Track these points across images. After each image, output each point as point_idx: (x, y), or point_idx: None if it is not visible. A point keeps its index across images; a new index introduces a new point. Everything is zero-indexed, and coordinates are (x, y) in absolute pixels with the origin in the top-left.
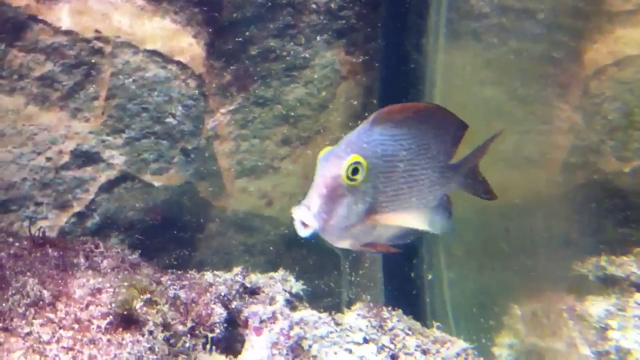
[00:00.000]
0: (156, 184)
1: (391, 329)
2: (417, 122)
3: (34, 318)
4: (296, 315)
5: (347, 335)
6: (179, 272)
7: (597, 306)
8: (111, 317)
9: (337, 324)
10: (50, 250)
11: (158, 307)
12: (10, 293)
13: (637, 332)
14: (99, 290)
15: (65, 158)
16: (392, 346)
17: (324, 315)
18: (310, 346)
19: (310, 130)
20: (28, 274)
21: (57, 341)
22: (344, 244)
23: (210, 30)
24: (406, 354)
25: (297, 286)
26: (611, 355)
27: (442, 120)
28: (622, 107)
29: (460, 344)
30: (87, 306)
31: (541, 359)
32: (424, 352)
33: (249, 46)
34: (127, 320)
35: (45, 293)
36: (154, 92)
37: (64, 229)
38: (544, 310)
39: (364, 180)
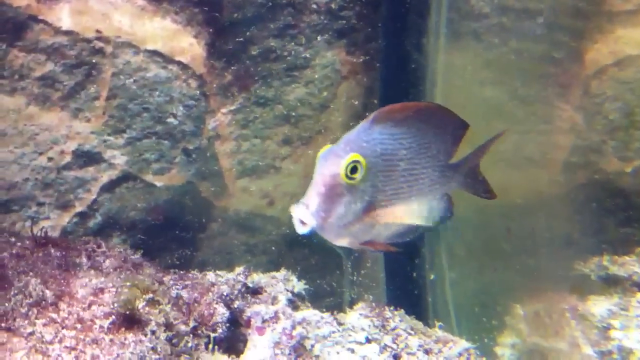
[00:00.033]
0: (158, 184)
1: (393, 329)
2: (417, 121)
3: (36, 318)
4: (298, 315)
5: (350, 335)
6: (181, 272)
7: (599, 306)
8: (114, 316)
9: (340, 324)
10: (52, 250)
11: (160, 307)
12: (12, 293)
13: None
14: (102, 290)
15: (67, 158)
16: (394, 346)
17: (326, 315)
18: (312, 346)
19: (311, 130)
20: (30, 273)
21: (60, 341)
22: (343, 242)
23: (211, 30)
24: (408, 353)
25: (299, 286)
26: (614, 354)
27: (443, 120)
28: (623, 107)
29: (463, 343)
30: (90, 306)
31: (544, 358)
32: (427, 351)
33: (249, 46)
34: (129, 320)
35: (48, 293)
36: (155, 92)
37: (66, 228)
38: (547, 310)
39: (362, 179)
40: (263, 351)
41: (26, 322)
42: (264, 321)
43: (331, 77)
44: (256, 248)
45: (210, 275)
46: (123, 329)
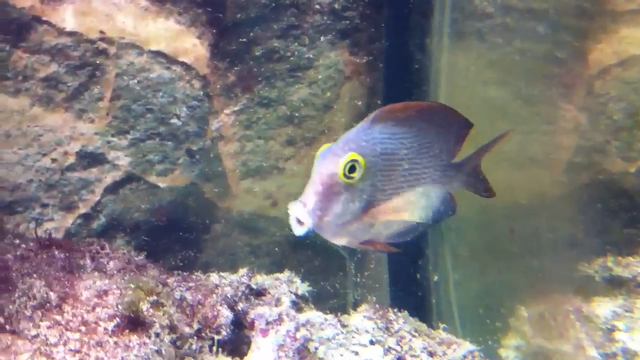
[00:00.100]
0: (161, 185)
1: (397, 331)
2: (419, 120)
3: (40, 320)
4: (302, 317)
5: (353, 337)
6: (184, 273)
7: (603, 307)
8: (118, 319)
9: (343, 326)
10: (56, 252)
11: (164, 308)
12: (17, 295)
13: None
14: (106, 292)
15: (71, 159)
16: (398, 348)
17: (330, 316)
18: (316, 348)
19: (315, 130)
20: (34, 275)
21: (64, 343)
22: (341, 241)
23: (214, 31)
24: (412, 356)
25: (302, 287)
26: (618, 357)
27: (446, 119)
28: (627, 107)
29: (467, 345)
30: (94, 308)
31: None
32: (431, 354)
33: (253, 47)
34: (133, 322)
35: (52, 295)
36: (159, 93)
37: (69, 230)
38: (551, 312)
39: (361, 178)
40: (267, 353)
41: (30, 324)
42: (267, 323)
43: (334, 78)
44: (260, 249)
45: (214, 277)
46: (127, 331)
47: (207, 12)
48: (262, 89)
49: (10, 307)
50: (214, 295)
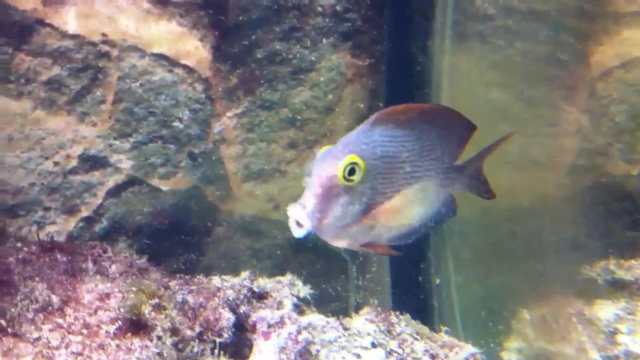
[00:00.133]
0: (164, 188)
1: (399, 334)
2: (421, 123)
3: (42, 323)
4: (304, 320)
5: (355, 340)
6: (186, 276)
7: (606, 310)
8: (120, 322)
9: (345, 329)
10: (58, 255)
11: (166, 311)
12: (19, 298)
13: None
14: (108, 295)
15: (73, 162)
16: (400, 351)
17: (332, 319)
18: (318, 351)
19: (317, 133)
20: (37, 279)
21: (66, 346)
22: (341, 243)
23: (217, 33)
24: (414, 358)
25: (304, 290)
26: (620, 359)
27: (448, 122)
28: (630, 109)
29: (469, 348)
30: (96, 311)
31: None
32: (433, 356)
33: (255, 49)
34: (135, 325)
35: (54, 298)
36: (161, 96)
37: (72, 233)
38: (553, 315)
39: (361, 181)
40: (269, 356)
41: (32, 327)
42: (269, 326)
43: (336, 80)
44: (262, 252)
45: (216, 280)
46: (129, 334)
47: (209, 15)
48: (264, 92)
49: (13, 310)
50: (216, 298)
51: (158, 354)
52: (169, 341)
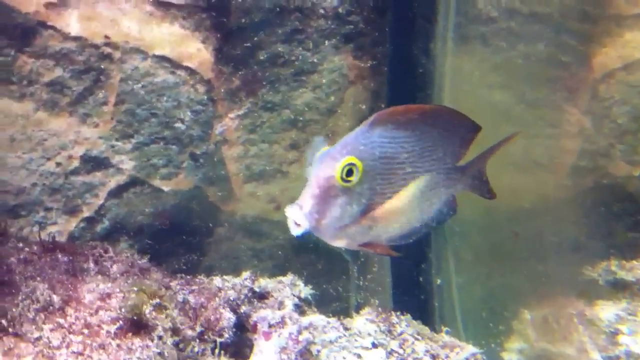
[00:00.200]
0: (165, 188)
1: (400, 334)
2: (421, 124)
3: (43, 323)
4: (305, 320)
5: (356, 340)
6: (188, 276)
7: (607, 311)
8: (121, 322)
9: (346, 329)
10: (59, 255)
11: (167, 311)
12: (20, 298)
13: None
14: (109, 295)
15: (75, 163)
16: (400, 351)
17: (333, 319)
18: (319, 351)
19: (319, 134)
20: (38, 279)
21: (67, 346)
22: (340, 243)
23: (219, 35)
24: (415, 359)
25: (305, 291)
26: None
27: (451, 122)
28: (632, 111)
29: (470, 349)
30: (97, 311)
31: None
32: (433, 357)
33: (257, 51)
34: (136, 325)
35: (55, 298)
36: (163, 98)
37: (73, 234)
38: (554, 315)
39: (359, 182)
40: (269, 356)
41: (33, 327)
42: (270, 326)
43: (338, 82)
44: (263, 253)
45: (217, 280)
46: (130, 334)
47: (211, 17)
48: (266, 93)
49: (14, 309)
50: (217, 299)
51: (159, 353)
52: (169, 341)
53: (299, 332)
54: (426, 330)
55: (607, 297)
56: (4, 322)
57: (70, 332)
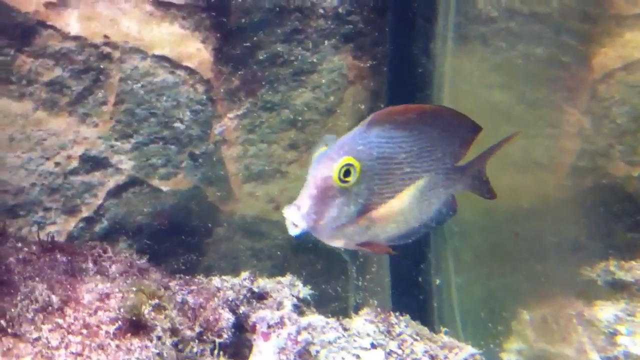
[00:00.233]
0: (164, 188)
1: (399, 335)
2: (420, 124)
3: (42, 323)
4: (304, 321)
5: (355, 341)
6: (186, 277)
7: (606, 311)
8: (119, 322)
9: (345, 329)
10: (58, 255)
11: (166, 312)
12: (19, 298)
13: None
14: (108, 296)
15: (74, 163)
16: (399, 352)
17: (332, 320)
18: (317, 351)
19: (318, 134)
20: (37, 279)
21: (66, 346)
22: (337, 243)
23: (219, 35)
24: (414, 359)
25: (304, 291)
26: None
27: (450, 123)
28: (631, 111)
29: (469, 349)
30: (96, 311)
31: None
32: (432, 357)
33: (256, 51)
34: (135, 326)
35: (54, 298)
36: (162, 97)
37: (72, 233)
38: (553, 316)
39: (356, 182)
40: (268, 357)
41: (32, 327)
42: (269, 326)
43: (338, 82)
44: (262, 253)
45: (216, 280)
46: (129, 334)
47: (211, 17)
48: (265, 93)
49: (13, 310)
50: (216, 299)
51: (158, 354)
52: (168, 341)
53: (298, 333)
54: (425, 330)
55: (606, 297)
56: (2, 322)
57: (69, 333)
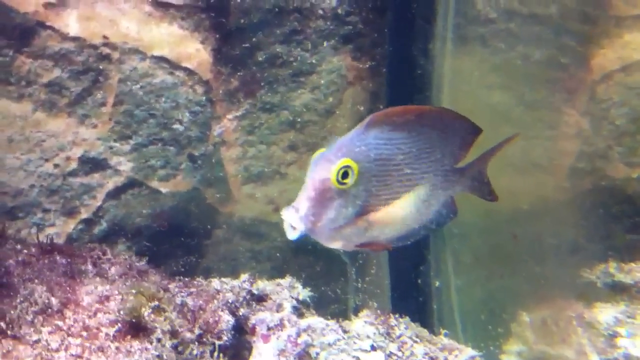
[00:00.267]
0: (163, 190)
1: (399, 337)
2: (418, 125)
3: (42, 325)
4: (303, 323)
5: (355, 343)
6: (186, 279)
7: (605, 313)
8: (119, 324)
9: (345, 331)
10: (58, 257)
11: (166, 314)
12: (18, 300)
13: None
14: (107, 298)
15: (73, 164)
16: (399, 354)
17: (332, 322)
18: (317, 354)
19: (317, 136)
20: (36, 281)
21: (66, 349)
22: (336, 244)
23: (218, 36)
24: None
25: (304, 293)
26: None
27: (450, 124)
28: (630, 113)
29: (469, 351)
30: (95, 313)
31: None
32: (432, 359)
33: (256, 52)
34: (135, 328)
35: (54, 300)
36: (161, 99)
37: (71, 235)
38: (553, 318)
39: (354, 184)
40: (268, 359)
41: (32, 329)
42: (269, 329)
43: (337, 83)
44: (261, 255)
45: (215, 282)
46: (129, 336)
47: (210, 18)
48: (264, 94)
49: (12, 312)
50: (215, 301)
51: (157, 356)
52: (168, 344)
53: (298, 335)
54: (425, 332)
55: (605, 299)
56: (2, 324)
57: (68, 335)
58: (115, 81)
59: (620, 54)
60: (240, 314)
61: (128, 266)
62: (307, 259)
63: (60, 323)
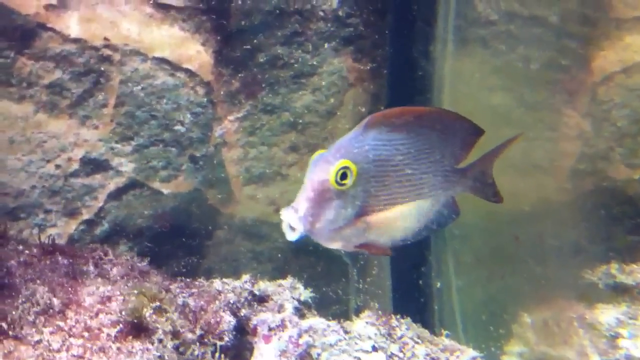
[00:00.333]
0: (165, 191)
1: (400, 337)
2: (418, 126)
3: (44, 326)
4: (305, 323)
5: (356, 344)
6: (187, 279)
7: (607, 314)
8: (121, 325)
9: (346, 332)
10: (59, 258)
11: (167, 315)
12: (20, 301)
13: None
14: (109, 298)
15: (74, 165)
16: (401, 355)
17: (333, 323)
18: (319, 354)
19: (318, 137)
20: (38, 281)
21: (67, 349)
22: (335, 245)
23: (219, 37)
24: None
25: (305, 294)
26: None
27: (450, 125)
28: (631, 114)
29: (470, 352)
30: (97, 314)
31: None
32: None
33: (257, 53)
34: (136, 328)
35: (55, 301)
36: (163, 100)
37: (73, 236)
38: (554, 319)
39: (353, 185)
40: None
41: (33, 330)
42: (270, 329)
43: (338, 84)
44: (262, 255)
45: (217, 283)
46: (130, 337)
47: (211, 19)
48: (265, 96)
49: (14, 312)
50: (217, 302)
51: (159, 357)
52: (170, 344)
53: (299, 335)
54: (426, 333)
55: (607, 300)
56: (4, 324)
57: (70, 335)
58: (116, 82)
59: (620, 56)
60: (242, 314)
61: (129, 267)
62: (308, 260)
63: (61, 323)
